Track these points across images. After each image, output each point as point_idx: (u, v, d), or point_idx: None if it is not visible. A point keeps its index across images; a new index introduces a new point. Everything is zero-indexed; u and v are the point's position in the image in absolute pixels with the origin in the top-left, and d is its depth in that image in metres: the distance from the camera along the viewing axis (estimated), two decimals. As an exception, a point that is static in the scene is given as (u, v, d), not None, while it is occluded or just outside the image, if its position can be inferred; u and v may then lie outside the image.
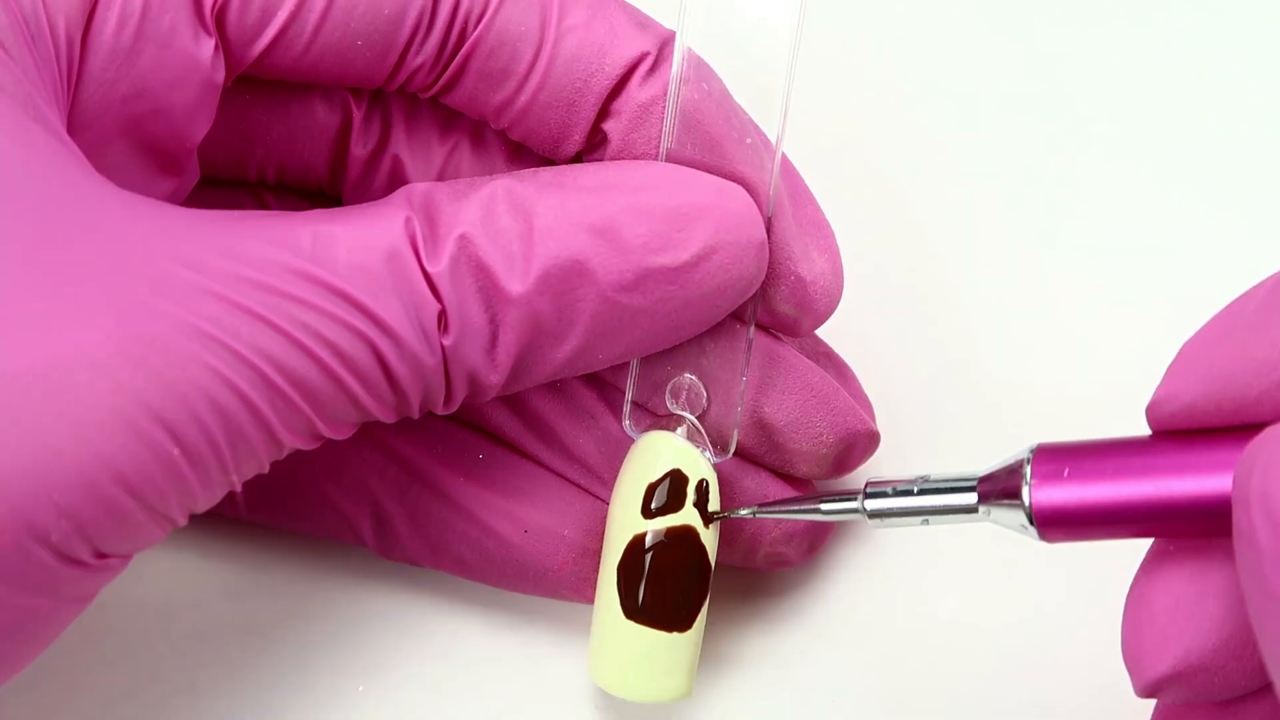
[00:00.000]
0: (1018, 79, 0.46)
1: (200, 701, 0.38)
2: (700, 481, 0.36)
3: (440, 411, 0.35)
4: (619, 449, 0.38)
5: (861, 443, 0.38)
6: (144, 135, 0.35)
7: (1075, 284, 0.44)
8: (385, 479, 0.38)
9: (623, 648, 0.36)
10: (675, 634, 0.36)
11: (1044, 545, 0.32)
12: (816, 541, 0.39)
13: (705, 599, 0.36)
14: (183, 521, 0.32)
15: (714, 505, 0.36)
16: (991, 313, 0.43)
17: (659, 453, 0.36)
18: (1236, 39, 0.47)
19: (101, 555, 0.31)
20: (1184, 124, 0.46)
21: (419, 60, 0.35)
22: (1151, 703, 0.33)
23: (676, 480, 0.36)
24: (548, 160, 0.37)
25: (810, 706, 0.39)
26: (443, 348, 0.33)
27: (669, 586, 0.36)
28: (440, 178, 0.37)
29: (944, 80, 0.46)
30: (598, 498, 0.38)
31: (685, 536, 0.36)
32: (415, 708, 0.39)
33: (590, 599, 0.38)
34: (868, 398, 0.39)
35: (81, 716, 0.38)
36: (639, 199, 0.34)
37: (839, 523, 0.40)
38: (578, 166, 0.35)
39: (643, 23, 0.36)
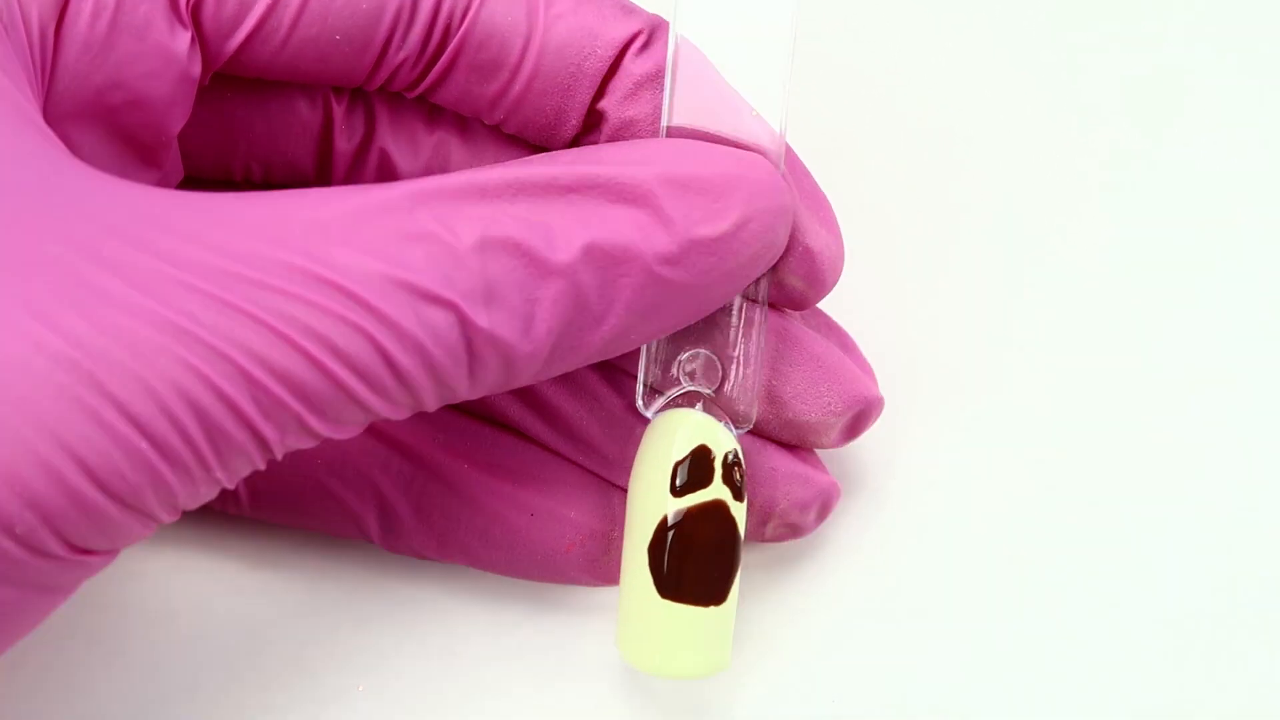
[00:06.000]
0: (1016, 65, 0.46)
1: (200, 701, 0.38)
2: (727, 454, 0.36)
3: (461, 400, 0.33)
4: (623, 429, 0.38)
5: (868, 410, 0.38)
6: (120, 126, 0.35)
7: (1066, 263, 0.44)
8: (389, 471, 0.38)
9: (661, 627, 0.36)
10: (712, 608, 0.36)
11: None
12: (826, 508, 0.39)
13: (737, 569, 0.36)
14: (169, 518, 0.31)
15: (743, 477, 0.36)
16: (986, 291, 0.43)
17: (682, 430, 0.36)
18: (1245, 40, 0.46)
19: (78, 549, 0.30)
20: (1188, 122, 0.45)
21: (401, 56, 0.35)
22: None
23: (703, 456, 0.36)
24: (541, 147, 0.37)
25: (832, 665, 0.39)
26: (467, 334, 0.32)
27: (703, 562, 0.36)
28: (429, 168, 0.37)
29: (936, 63, 0.46)
30: (602, 478, 0.38)
31: (716, 511, 0.36)
32: (415, 708, 0.38)
33: (597, 580, 0.38)
34: (870, 365, 0.39)
35: (81, 716, 0.38)
36: (671, 171, 0.34)
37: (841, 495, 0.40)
38: (597, 147, 0.35)
39: (628, 8, 0.36)
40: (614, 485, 0.38)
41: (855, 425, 0.38)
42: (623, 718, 0.39)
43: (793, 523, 0.38)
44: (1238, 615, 0.40)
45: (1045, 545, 0.40)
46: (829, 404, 0.37)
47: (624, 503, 0.38)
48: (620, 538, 0.38)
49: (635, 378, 0.38)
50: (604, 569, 0.38)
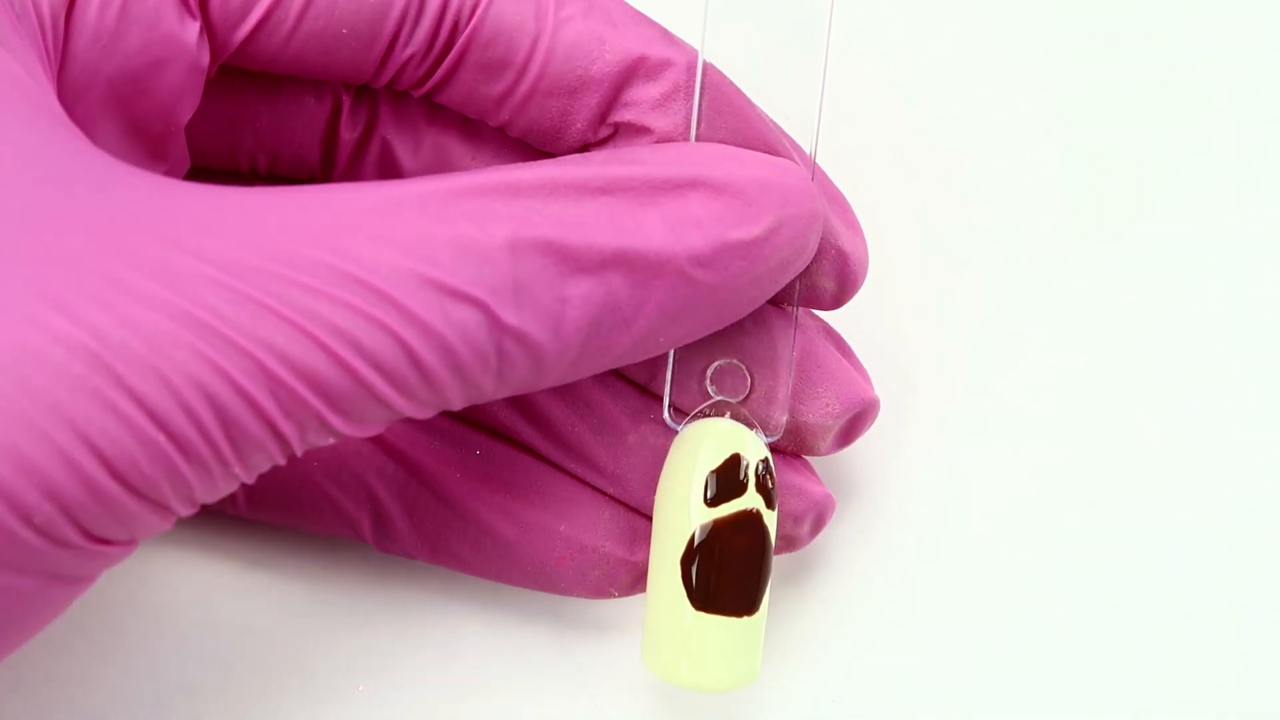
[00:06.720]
0: (1013, 68, 0.46)
1: (200, 701, 0.38)
2: (758, 463, 0.36)
3: (488, 399, 0.33)
4: (615, 434, 0.37)
5: (866, 413, 0.38)
6: (129, 116, 0.34)
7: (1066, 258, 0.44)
8: (383, 476, 0.38)
9: (693, 639, 0.36)
10: (744, 618, 0.36)
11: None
12: (820, 520, 0.38)
13: (769, 577, 0.36)
14: (186, 511, 0.31)
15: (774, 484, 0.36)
16: (983, 292, 0.44)
17: (713, 440, 0.36)
18: (1248, 39, 0.46)
19: (97, 539, 0.30)
20: (1186, 122, 0.45)
21: (408, 53, 0.35)
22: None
23: (736, 465, 0.36)
24: (545, 152, 0.37)
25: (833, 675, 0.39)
26: (495, 333, 0.32)
27: (737, 573, 0.36)
28: (431, 160, 0.37)
29: (930, 65, 0.46)
30: (595, 488, 0.38)
31: (750, 521, 0.36)
32: (415, 708, 0.38)
33: (588, 593, 0.38)
34: (865, 368, 0.39)
35: (81, 716, 0.38)
36: (704, 174, 0.34)
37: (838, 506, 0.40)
38: (631, 149, 0.35)
39: (639, 18, 0.36)
40: (606, 497, 0.38)
41: (851, 429, 0.38)
42: (618, 715, 0.39)
43: (787, 534, 0.38)
44: (1238, 615, 0.40)
45: (1045, 545, 0.40)
46: (827, 405, 0.37)
47: (615, 516, 0.38)
48: (611, 552, 0.38)
49: (630, 382, 0.38)
50: (594, 583, 0.38)
